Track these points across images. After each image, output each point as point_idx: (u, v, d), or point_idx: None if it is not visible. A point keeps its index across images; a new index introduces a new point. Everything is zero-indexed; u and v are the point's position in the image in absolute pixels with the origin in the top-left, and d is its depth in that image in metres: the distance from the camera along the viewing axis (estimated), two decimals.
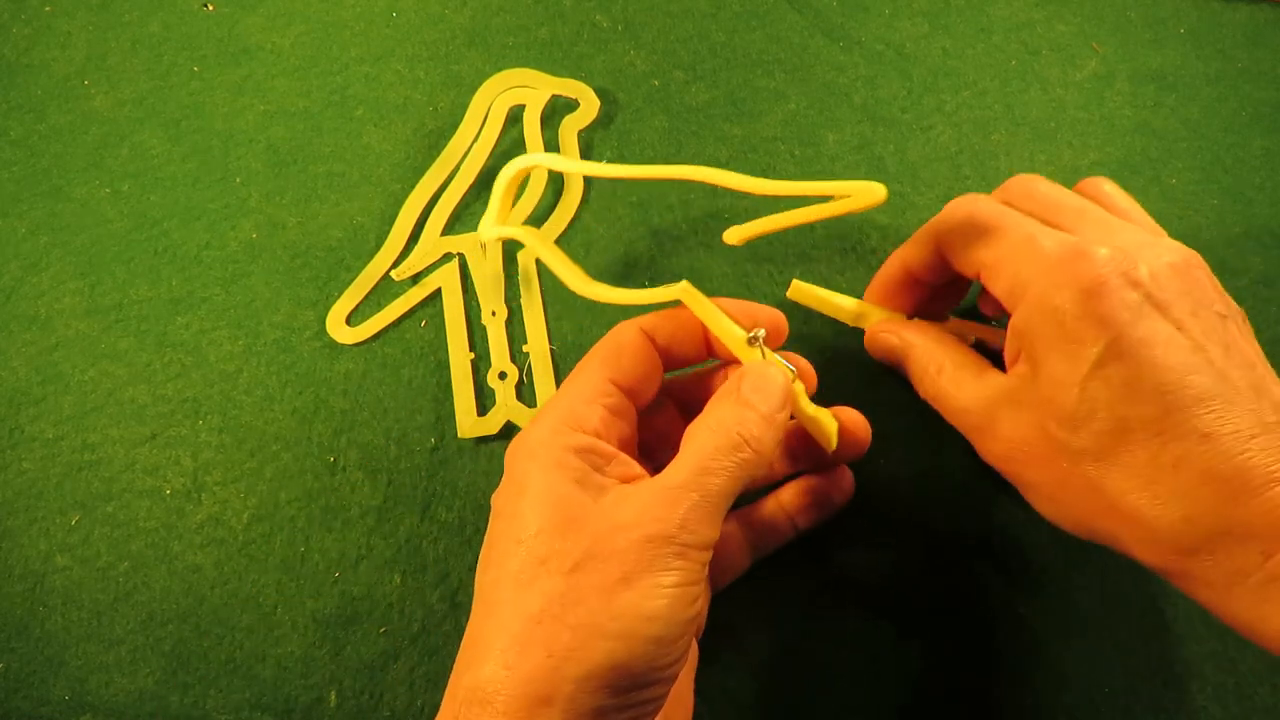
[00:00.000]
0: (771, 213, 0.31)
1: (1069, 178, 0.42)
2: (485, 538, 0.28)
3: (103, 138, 0.43)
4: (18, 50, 0.45)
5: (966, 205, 0.31)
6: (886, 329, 0.34)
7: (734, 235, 0.32)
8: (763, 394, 0.28)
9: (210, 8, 0.46)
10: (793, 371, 0.30)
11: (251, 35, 0.45)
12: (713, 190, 0.41)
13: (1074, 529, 0.28)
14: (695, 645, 0.32)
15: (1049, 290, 0.27)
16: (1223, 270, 0.40)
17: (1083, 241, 0.27)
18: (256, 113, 0.43)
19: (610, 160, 0.42)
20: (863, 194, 0.29)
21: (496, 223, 0.36)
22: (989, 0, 0.46)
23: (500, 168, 0.35)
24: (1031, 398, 0.28)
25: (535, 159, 0.35)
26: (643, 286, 0.40)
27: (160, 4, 0.46)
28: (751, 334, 0.30)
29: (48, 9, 0.46)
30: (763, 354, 0.30)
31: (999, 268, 0.29)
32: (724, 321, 0.30)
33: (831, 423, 0.31)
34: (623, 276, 0.40)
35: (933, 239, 0.32)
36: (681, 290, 0.30)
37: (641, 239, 0.41)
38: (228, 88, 0.44)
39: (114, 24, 0.45)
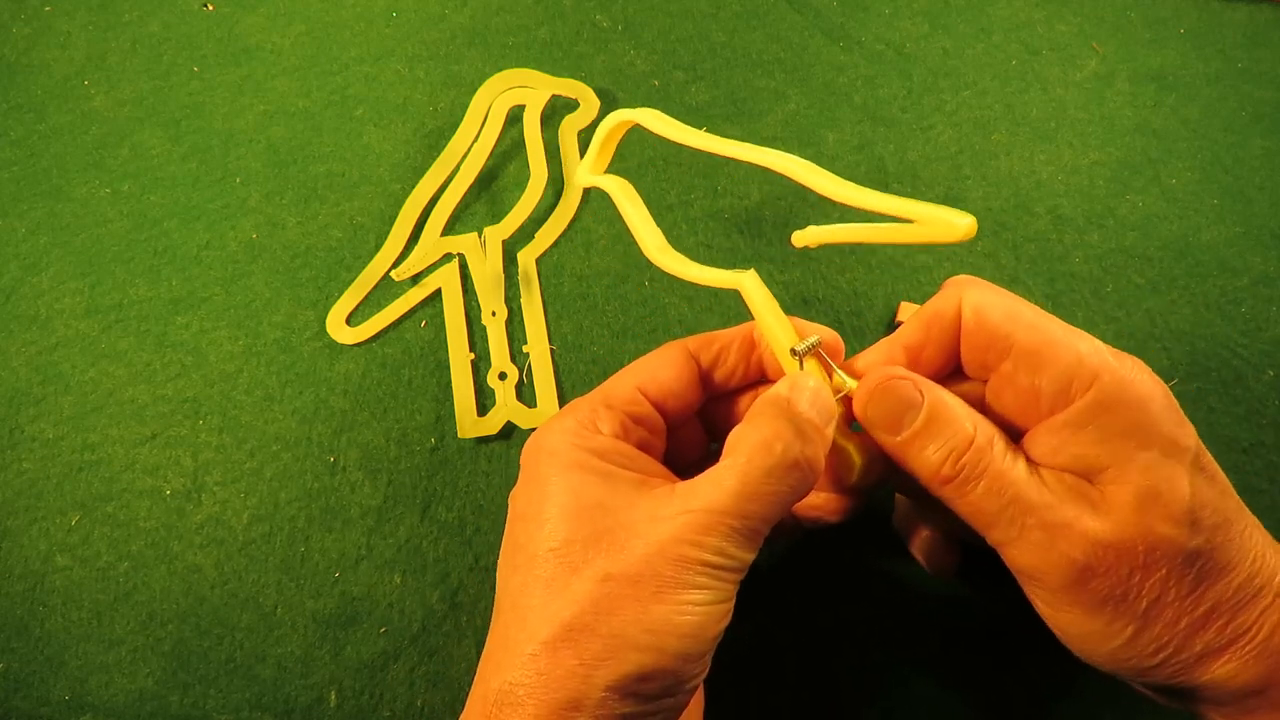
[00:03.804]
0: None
1: (1069, 178, 0.42)
2: (506, 538, 0.28)
3: (103, 138, 0.43)
4: (18, 50, 0.45)
5: (981, 284, 0.28)
6: (904, 376, 0.27)
7: (803, 238, 0.30)
8: (819, 410, 0.26)
9: (210, 8, 0.46)
10: (839, 394, 0.28)
11: (251, 35, 0.45)
12: (714, 189, 0.41)
13: (1151, 658, 0.25)
14: None
15: (1135, 379, 0.25)
16: (1223, 270, 0.40)
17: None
18: (256, 113, 0.43)
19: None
20: (944, 227, 0.25)
21: (592, 172, 0.35)
22: (989, 0, 0.46)
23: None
24: (1124, 495, 0.24)
25: (636, 114, 0.33)
26: (641, 286, 0.40)
27: (160, 4, 0.46)
28: (800, 345, 0.28)
29: (48, 9, 0.46)
30: (801, 368, 0.28)
31: (1046, 352, 0.25)
32: (776, 321, 0.28)
33: (858, 457, 0.28)
34: (622, 278, 0.40)
35: (953, 307, 0.27)
36: (746, 277, 0.29)
37: None
38: (228, 88, 0.44)
39: (114, 24, 0.45)
